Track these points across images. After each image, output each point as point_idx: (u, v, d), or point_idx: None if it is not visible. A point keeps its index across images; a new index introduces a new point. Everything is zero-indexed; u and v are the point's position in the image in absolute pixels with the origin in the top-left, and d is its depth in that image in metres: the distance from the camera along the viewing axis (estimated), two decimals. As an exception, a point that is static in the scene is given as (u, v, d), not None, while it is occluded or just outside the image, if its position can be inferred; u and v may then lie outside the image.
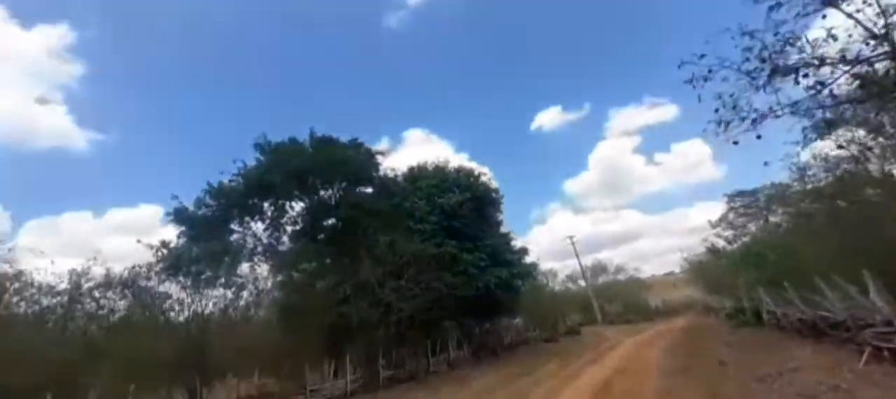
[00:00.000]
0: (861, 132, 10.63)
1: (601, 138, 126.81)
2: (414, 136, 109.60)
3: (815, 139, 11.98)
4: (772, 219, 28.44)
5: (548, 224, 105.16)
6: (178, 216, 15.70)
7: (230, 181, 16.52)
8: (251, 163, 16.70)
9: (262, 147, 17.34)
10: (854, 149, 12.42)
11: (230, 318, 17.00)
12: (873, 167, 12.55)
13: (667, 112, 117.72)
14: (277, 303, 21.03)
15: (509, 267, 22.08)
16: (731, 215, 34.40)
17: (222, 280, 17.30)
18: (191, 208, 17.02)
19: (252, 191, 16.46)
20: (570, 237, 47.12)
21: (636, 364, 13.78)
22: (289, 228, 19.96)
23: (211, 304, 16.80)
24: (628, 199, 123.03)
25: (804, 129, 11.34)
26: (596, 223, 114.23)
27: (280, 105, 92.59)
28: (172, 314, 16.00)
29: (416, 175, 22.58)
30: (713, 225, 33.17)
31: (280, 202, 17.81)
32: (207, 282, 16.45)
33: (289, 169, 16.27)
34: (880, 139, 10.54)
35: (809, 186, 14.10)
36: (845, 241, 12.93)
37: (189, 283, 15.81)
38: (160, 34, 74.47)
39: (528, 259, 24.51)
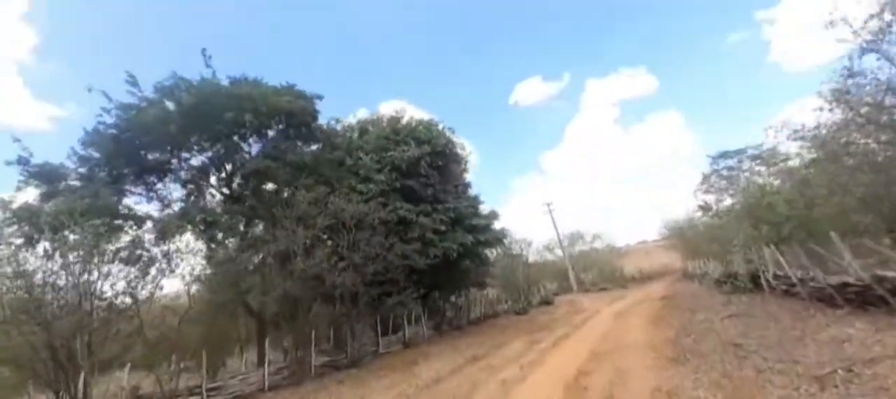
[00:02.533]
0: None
1: (579, 111, 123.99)
2: (391, 107, 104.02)
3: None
4: (757, 180, 25.89)
5: (527, 196, 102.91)
6: (28, 169, 11.52)
7: (100, 125, 12.26)
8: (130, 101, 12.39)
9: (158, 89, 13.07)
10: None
11: (122, 301, 13.22)
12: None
13: (644, 83, 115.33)
14: (203, 281, 17.41)
15: (475, 232, 18.77)
16: (713, 177, 31.88)
17: (120, 255, 13.52)
18: (66, 162, 12.95)
19: (137, 138, 12.35)
20: (548, 203, 44.27)
21: (617, 342, 10.73)
22: (216, 193, 16.08)
23: (103, 284, 12.92)
24: (605, 170, 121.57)
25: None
26: (573, 194, 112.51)
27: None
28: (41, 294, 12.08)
29: (365, 127, 18.75)
30: (698, 187, 30.61)
31: (181, 155, 13.75)
32: (87, 256, 12.54)
33: (184, 110, 12.18)
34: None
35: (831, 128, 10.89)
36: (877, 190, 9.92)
37: (57, 255, 11.91)
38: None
39: (498, 224, 21.24)
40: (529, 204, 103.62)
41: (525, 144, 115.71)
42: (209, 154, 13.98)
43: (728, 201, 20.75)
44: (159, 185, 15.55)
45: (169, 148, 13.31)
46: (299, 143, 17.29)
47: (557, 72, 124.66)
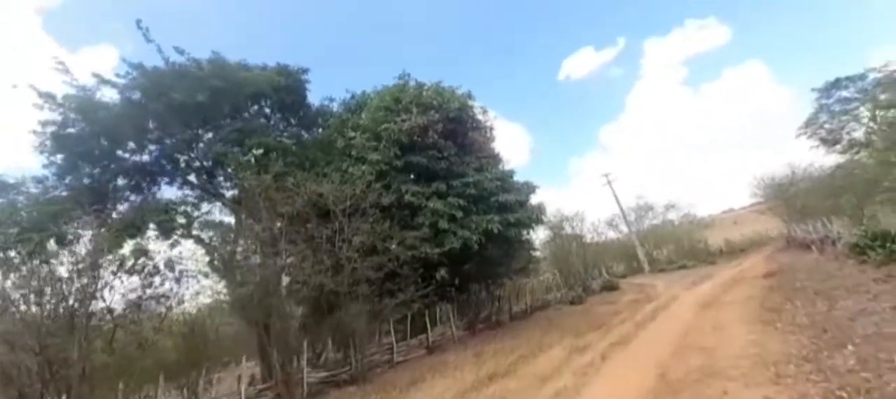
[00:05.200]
0: None
1: (639, 77, 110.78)
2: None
3: None
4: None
5: (587, 176, 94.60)
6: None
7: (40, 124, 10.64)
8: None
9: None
10: None
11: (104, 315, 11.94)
12: None
13: (715, 35, 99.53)
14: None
15: (504, 211, 15.12)
16: (823, 116, 24.28)
17: (127, 265, 12.40)
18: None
19: (86, 134, 10.70)
20: (606, 174, 38.34)
21: (705, 358, 6.66)
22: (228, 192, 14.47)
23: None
24: (675, 137, 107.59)
25: None
26: (641, 167, 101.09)
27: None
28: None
29: (364, 101, 15.92)
30: (801, 130, 23.49)
31: (149, 148, 12.03)
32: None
33: (131, 97, 10.27)
34: None
35: None
36: None
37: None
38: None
39: (535, 199, 17.20)
40: (591, 184, 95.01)
41: (581, 121, 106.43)
42: (160, 146, 12.05)
43: (858, 134, 14.51)
44: (155, 189, 14.32)
45: (131, 144, 11.64)
46: (297, 128, 15.13)
47: (610, 38, 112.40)
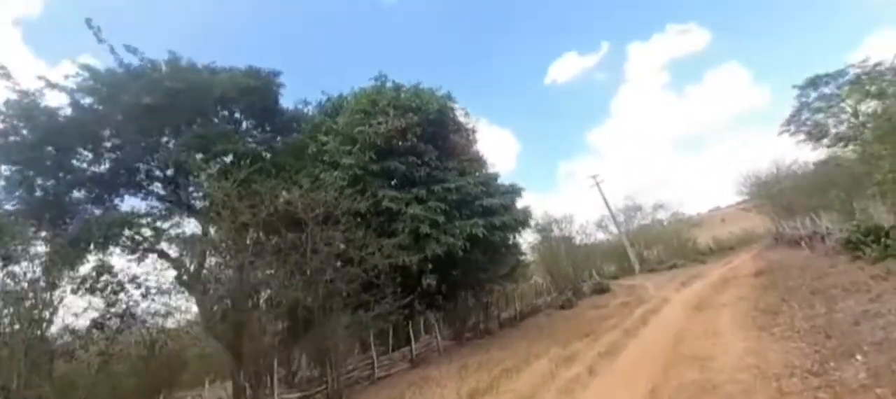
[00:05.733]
0: None
1: (624, 80, 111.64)
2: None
3: None
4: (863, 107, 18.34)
5: (576, 180, 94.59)
6: None
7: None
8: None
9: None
10: None
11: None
12: None
13: (696, 39, 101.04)
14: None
15: (488, 216, 14.48)
16: (804, 113, 24.20)
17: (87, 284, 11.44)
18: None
19: (33, 141, 9.82)
20: (594, 176, 38.07)
21: (699, 370, 6.06)
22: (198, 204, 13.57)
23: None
24: (662, 139, 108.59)
25: None
26: (629, 170, 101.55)
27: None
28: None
29: (339, 104, 15.20)
30: (783, 127, 23.31)
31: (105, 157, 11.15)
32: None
33: (81, 103, 9.43)
34: None
35: None
36: None
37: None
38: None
39: (521, 202, 16.65)
40: (580, 187, 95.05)
41: (568, 125, 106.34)
42: (118, 154, 11.18)
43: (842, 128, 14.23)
44: (118, 201, 13.39)
45: (86, 153, 10.78)
46: (270, 134, 14.35)
47: (593, 42, 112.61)
